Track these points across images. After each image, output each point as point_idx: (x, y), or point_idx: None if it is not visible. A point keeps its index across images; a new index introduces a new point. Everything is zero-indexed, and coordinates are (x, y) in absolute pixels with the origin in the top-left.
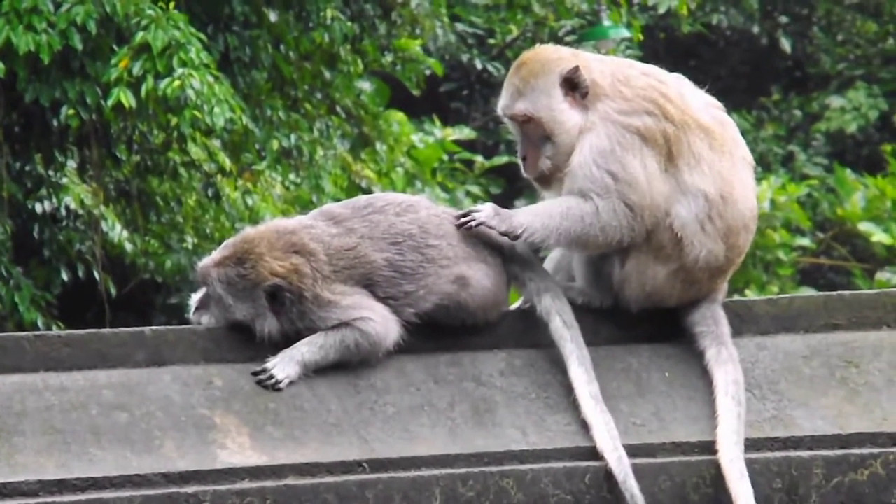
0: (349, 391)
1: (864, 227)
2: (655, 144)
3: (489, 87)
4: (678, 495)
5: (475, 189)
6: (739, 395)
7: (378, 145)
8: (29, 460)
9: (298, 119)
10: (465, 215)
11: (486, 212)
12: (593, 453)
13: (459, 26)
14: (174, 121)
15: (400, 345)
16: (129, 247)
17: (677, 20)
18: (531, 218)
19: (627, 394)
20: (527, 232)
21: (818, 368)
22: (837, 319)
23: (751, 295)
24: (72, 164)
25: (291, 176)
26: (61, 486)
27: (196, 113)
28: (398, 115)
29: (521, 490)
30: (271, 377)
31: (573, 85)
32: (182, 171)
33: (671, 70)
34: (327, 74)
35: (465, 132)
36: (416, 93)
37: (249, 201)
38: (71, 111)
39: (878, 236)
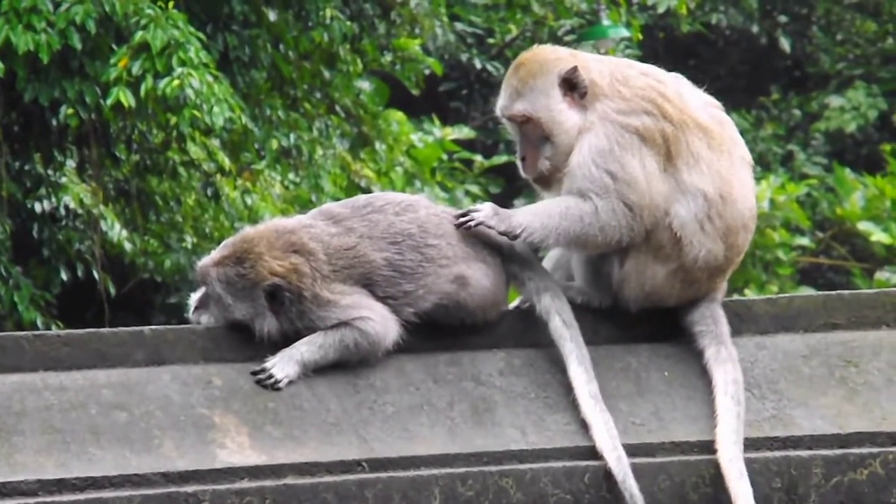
0: (348, 391)
1: (863, 226)
2: (654, 144)
3: (488, 87)
4: (677, 495)
5: (474, 188)
6: (739, 395)
7: (377, 145)
8: (28, 460)
9: (298, 118)
10: (464, 215)
11: (485, 211)
12: (592, 453)
13: (459, 26)
14: (173, 120)
15: (399, 344)
16: (128, 246)
17: (676, 19)
18: (530, 218)
19: (627, 393)
20: (526, 231)
21: (817, 368)
22: (837, 319)
23: (750, 294)
24: (71, 164)
25: (291, 175)
26: (60, 485)
27: (195, 112)
28: (397, 115)
29: (520, 489)
30: (270, 377)
31: (572, 85)
32: (181, 170)
33: (670, 69)
34: (326, 74)
35: (465, 132)
36: (415, 92)
37: (249, 201)
38: (70, 110)
39: (878, 236)
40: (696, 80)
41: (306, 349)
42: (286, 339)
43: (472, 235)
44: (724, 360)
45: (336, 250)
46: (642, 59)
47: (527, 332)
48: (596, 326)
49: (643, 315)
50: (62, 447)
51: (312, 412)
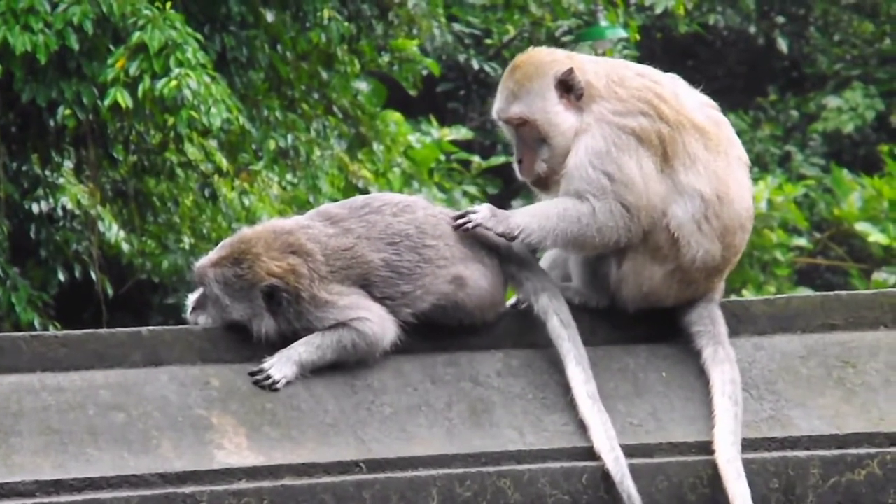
0: (346, 391)
1: (860, 227)
2: (651, 145)
3: (486, 88)
4: (675, 495)
5: (472, 189)
6: (736, 395)
7: (375, 145)
8: (26, 461)
9: (295, 119)
10: (461, 216)
11: (482, 213)
12: (590, 453)
13: (456, 26)
14: (171, 121)
15: (397, 345)
16: (125, 247)
17: (674, 20)
18: (528, 219)
19: (625, 394)
20: (524, 233)
21: (815, 368)
22: (834, 319)
23: (748, 295)
24: (68, 165)
25: (288, 176)
26: (58, 486)
27: (193, 113)
28: (395, 116)
29: (518, 490)
30: (268, 377)
31: (568, 87)
32: (179, 171)
33: (668, 70)
34: (324, 74)
35: (462, 132)
36: (412, 93)
37: (246, 201)
38: (67, 111)
39: (875, 236)
40: (694, 81)
41: (304, 350)
42: (284, 340)
43: (470, 237)
44: (722, 360)
45: (334, 251)
46: (640, 60)
47: (525, 332)
48: (594, 327)
49: (641, 316)
50: (60, 448)
51: (310, 413)
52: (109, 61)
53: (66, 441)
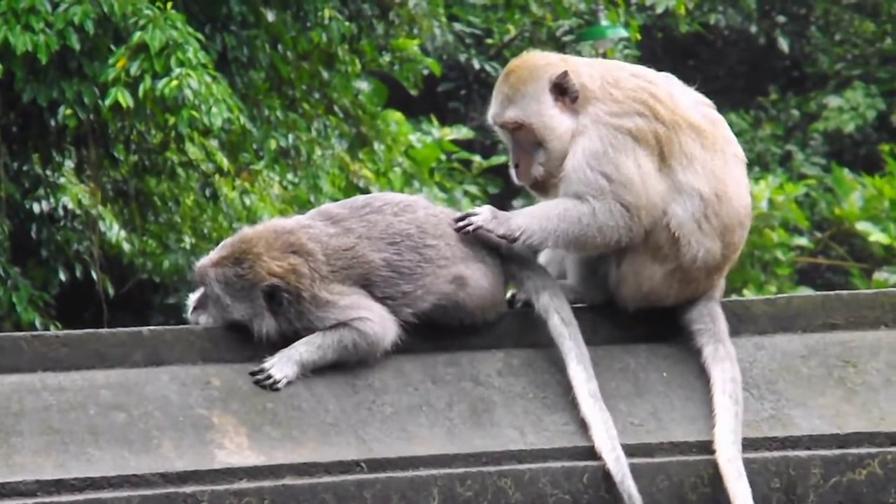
0: (347, 391)
1: (861, 226)
2: (648, 145)
3: (487, 87)
4: (676, 495)
5: (473, 189)
6: (737, 394)
7: (376, 145)
8: (27, 460)
9: (296, 119)
10: (462, 219)
11: (483, 215)
12: (591, 453)
13: (457, 26)
14: (172, 121)
15: (398, 345)
16: (126, 247)
17: (675, 20)
18: (529, 220)
19: (625, 393)
20: (524, 234)
21: (816, 368)
22: (835, 319)
23: (749, 295)
24: (69, 164)
25: (289, 176)
26: (59, 486)
27: (194, 113)
28: (396, 115)
29: (519, 490)
30: (269, 377)
31: (562, 90)
32: (180, 170)
33: (669, 70)
34: (325, 74)
35: (463, 132)
36: (413, 93)
37: (247, 201)
38: (68, 111)
39: (876, 236)
40: (695, 81)
41: (305, 349)
42: (285, 340)
43: (471, 238)
44: (722, 358)
45: (335, 251)
46: (641, 60)
47: (525, 332)
48: (595, 326)
49: (642, 315)
50: (61, 448)
51: (311, 413)
52: (110, 61)
53: (67, 441)
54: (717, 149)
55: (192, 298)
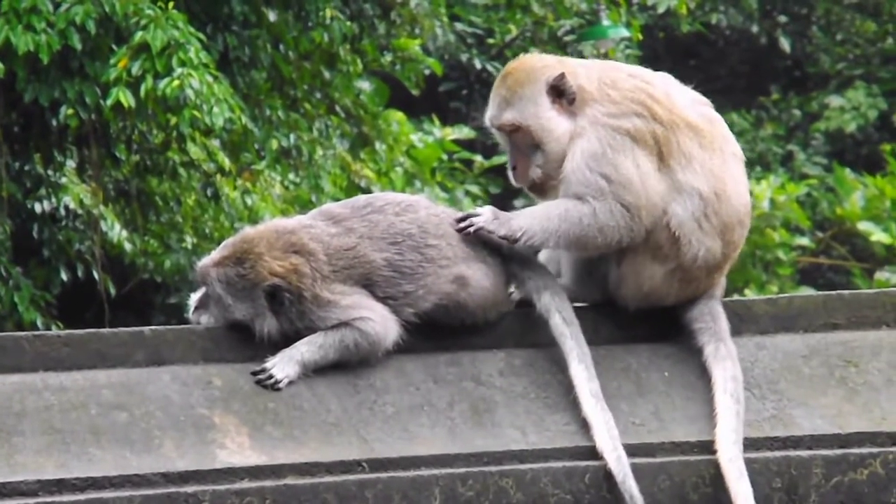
0: (348, 391)
1: (863, 226)
2: (646, 145)
3: (488, 87)
4: (677, 495)
5: (474, 189)
6: (738, 393)
7: (377, 145)
8: (28, 460)
9: (298, 119)
10: (464, 219)
11: (484, 216)
12: (593, 453)
13: (459, 26)
14: (173, 120)
15: (399, 344)
16: (128, 246)
17: (676, 20)
18: (530, 221)
19: (627, 393)
20: (525, 235)
21: (817, 368)
22: (837, 319)
23: (750, 294)
24: (71, 164)
25: (291, 176)
26: (60, 485)
27: (195, 113)
28: (397, 115)
29: (520, 490)
30: (270, 377)
31: (560, 92)
32: (181, 170)
33: (670, 69)
34: (326, 74)
35: (465, 132)
36: (415, 92)
37: (249, 201)
38: (70, 111)
39: (878, 236)
40: (696, 80)
41: (306, 349)
42: (286, 340)
43: (473, 239)
44: (724, 356)
45: (336, 251)
46: (642, 59)
47: (527, 332)
48: (596, 326)
49: (643, 314)
50: (62, 447)
51: (312, 412)
52: (112, 61)
53: (68, 441)
54: (715, 147)
55: (194, 298)
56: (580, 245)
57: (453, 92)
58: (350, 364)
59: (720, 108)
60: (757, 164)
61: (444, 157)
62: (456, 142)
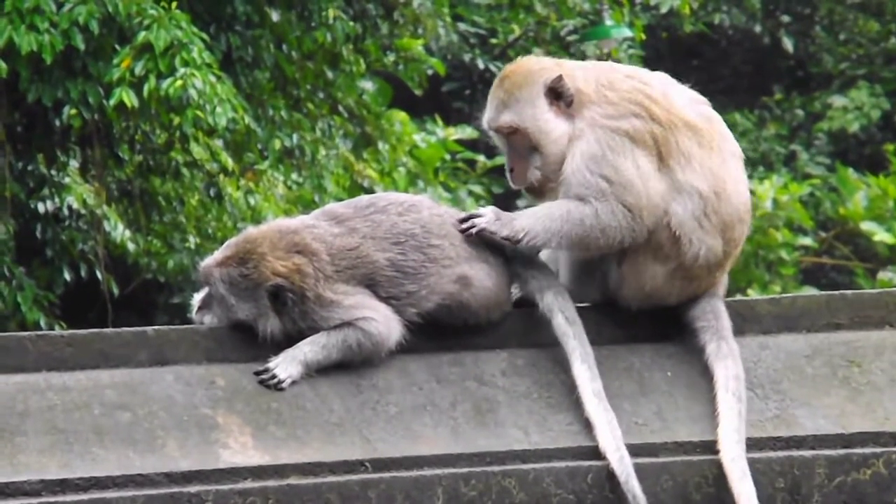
0: (352, 391)
1: (866, 226)
2: (645, 145)
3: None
4: (680, 495)
5: (477, 189)
6: (740, 392)
7: (380, 145)
8: (31, 460)
9: (301, 119)
10: (466, 220)
11: (487, 216)
12: (595, 453)
13: (462, 26)
14: (176, 120)
15: (402, 344)
16: (131, 246)
17: (679, 19)
18: (532, 221)
19: (630, 393)
20: (528, 236)
21: (820, 368)
22: (840, 319)
23: (753, 294)
24: (74, 164)
25: (294, 176)
26: (64, 485)
27: (198, 113)
28: (400, 115)
29: (523, 490)
30: (274, 377)
31: (557, 94)
32: (184, 170)
33: (673, 70)
34: (329, 74)
35: (468, 132)
36: (418, 92)
37: (252, 201)
38: (73, 111)
39: (881, 236)
40: (699, 80)
41: (309, 349)
42: (289, 340)
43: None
44: (725, 355)
45: (339, 250)
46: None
47: (529, 332)
48: (598, 326)
49: (645, 314)
50: (65, 447)
51: (315, 412)
52: (115, 61)
53: (71, 440)
54: (714, 146)
55: (197, 298)
56: (582, 246)
57: (456, 92)
58: (353, 364)
59: (723, 108)
60: (760, 164)
61: (447, 157)
62: (459, 142)
